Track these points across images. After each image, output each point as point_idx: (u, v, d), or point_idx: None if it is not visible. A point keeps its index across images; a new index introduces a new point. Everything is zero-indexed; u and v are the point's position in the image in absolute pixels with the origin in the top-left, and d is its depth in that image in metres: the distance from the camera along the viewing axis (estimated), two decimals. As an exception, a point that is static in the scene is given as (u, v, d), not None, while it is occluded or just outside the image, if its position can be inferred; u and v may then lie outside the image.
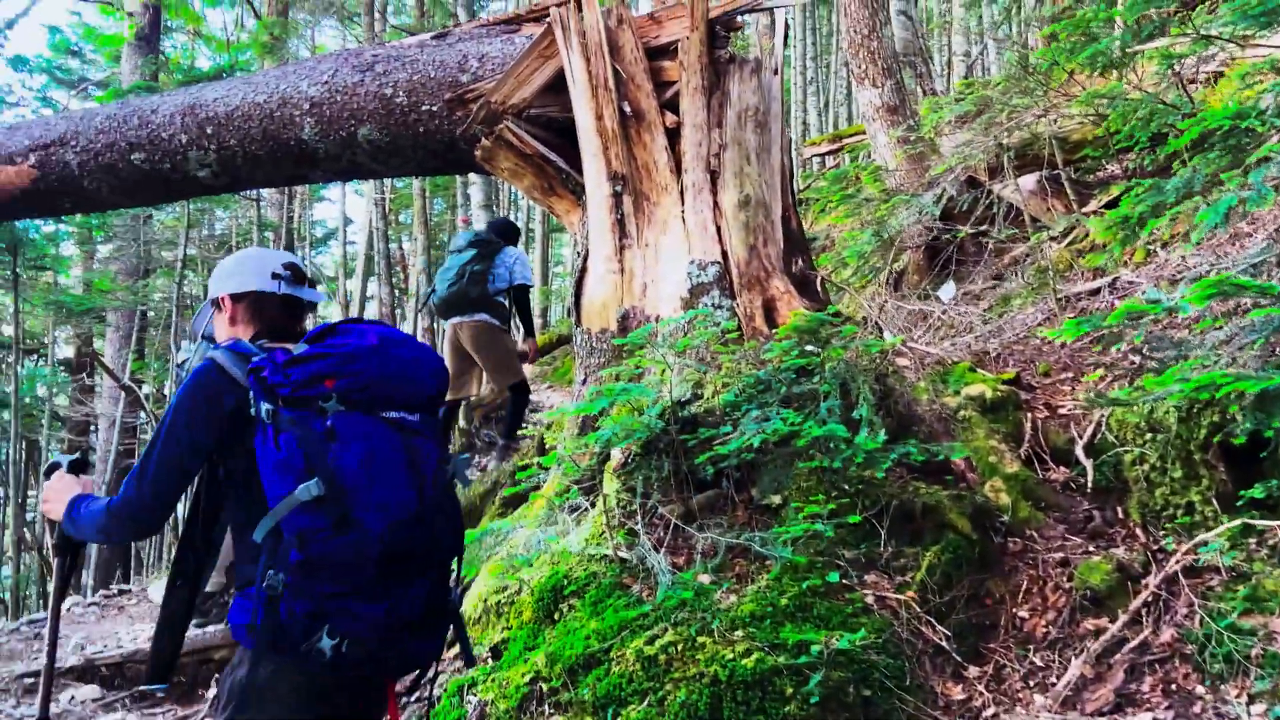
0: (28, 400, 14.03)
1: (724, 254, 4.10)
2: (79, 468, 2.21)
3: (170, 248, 14.82)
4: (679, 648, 2.80)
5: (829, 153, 13.52)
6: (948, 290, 5.85)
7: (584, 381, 4.20)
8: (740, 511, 3.45)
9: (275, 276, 2.22)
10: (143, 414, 11.98)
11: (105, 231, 15.36)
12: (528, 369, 8.49)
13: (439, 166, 5.31)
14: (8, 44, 16.00)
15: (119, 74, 14.19)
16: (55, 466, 2.20)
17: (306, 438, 1.89)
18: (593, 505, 3.65)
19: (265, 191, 15.33)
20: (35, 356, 19.06)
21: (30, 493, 15.36)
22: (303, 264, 2.35)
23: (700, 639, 2.79)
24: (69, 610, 5.17)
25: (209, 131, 5.23)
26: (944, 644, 2.88)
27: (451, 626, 2.10)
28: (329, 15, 12.99)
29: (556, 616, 3.29)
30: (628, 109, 4.23)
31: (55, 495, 2.11)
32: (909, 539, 3.17)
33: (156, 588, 5.21)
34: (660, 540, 3.37)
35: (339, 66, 5.02)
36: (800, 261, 4.41)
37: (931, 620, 2.93)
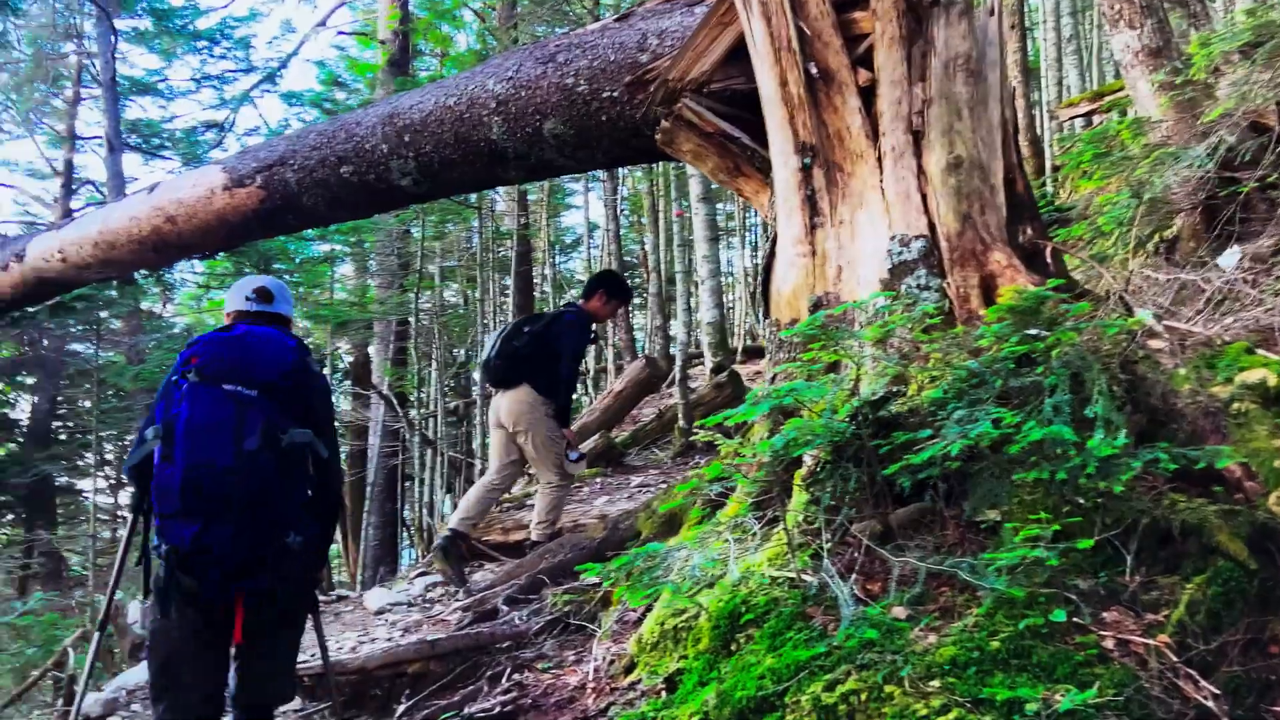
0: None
1: (931, 226, 3.53)
2: None
3: (426, 259, 15.68)
4: (862, 697, 2.33)
5: (1089, 113, 12.11)
6: (1230, 256, 4.87)
7: (774, 380, 3.78)
8: (949, 530, 2.91)
9: (247, 299, 3.16)
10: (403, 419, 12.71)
11: (374, 248, 16.57)
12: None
13: (626, 156, 5.06)
14: (281, 82, 17.69)
15: (375, 100, 15.18)
16: None
17: (169, 397, 2.80)
18: (777, 520, 3.23)
19: (502, 201, 15.89)
20: (319, 365, 20.86)
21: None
22: (275, 285, 3.25)
23: (888, 688, 2.31)
24: None
25: (406, 139, 5.26)
26: (1210, 704, 2.22)
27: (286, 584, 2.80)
28: (561, 26, 13.21)
29: (734, 647, 2.90)
30: (815, 70, 3.75)
31: None
32: (1163, 567, 2.52)
33: (373, 596, 5.34)
34: (851, 563, 2.90)
35: (523, 61, 4.88)
36: (1029, 230, 3.75)
37: (1192, 673, 2.28)
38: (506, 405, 5.52)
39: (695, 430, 8.19)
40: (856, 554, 2.91)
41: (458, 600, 4.99)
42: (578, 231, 29.77)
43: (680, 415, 8.16)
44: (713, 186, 9.14)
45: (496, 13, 14.57)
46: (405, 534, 17.62)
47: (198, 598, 2.69)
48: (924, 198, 3.57)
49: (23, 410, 16.54)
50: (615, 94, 4.46)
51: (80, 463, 15.40)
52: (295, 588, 2.86)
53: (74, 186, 16.02)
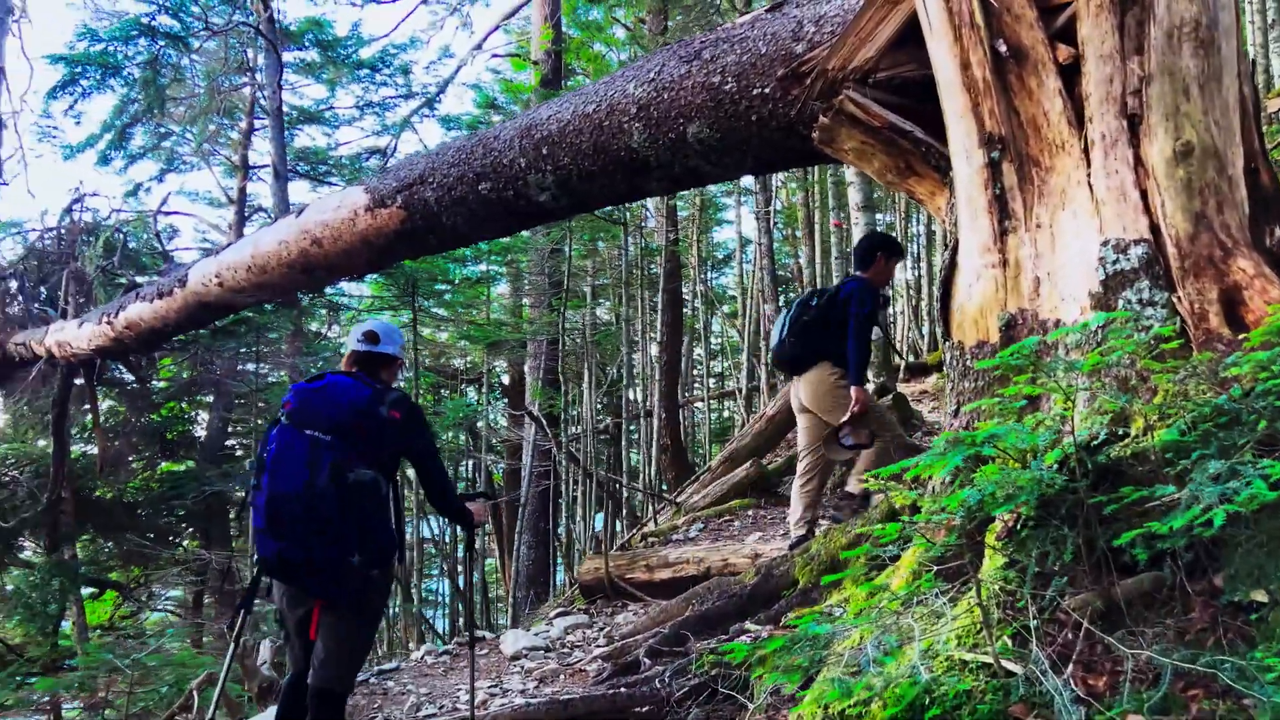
0: (454, 427, 15.41)
1: (1154, 228, 2.90)
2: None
3: (577, 278, 15.58)
4: (1094, 843, 1.79)
5: (1306, 101, 10.76)
6: None
7: (956, 413, 3.21)
8: (1194, 611, 2.29)
9: (358, 340, 3.63)
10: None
11: (527, 268, 16.64)
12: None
13: (778, 159, 4.58)
14: (439, 107, 18.08)
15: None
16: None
17: (267, 436, 3.38)
18: (963, 589, 2.68)
19: (652, 217, 15.59)
20: (477, 384, 21.20)
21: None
22: (382, 328, 3.70)
23: (1130, 833, 1.75)
24: (421, 658, 5.17)
25: (544, 151, 4.95)
26: None
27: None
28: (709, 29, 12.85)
29: (916, 746, 2.38)
30: (1003, 48, 3.18)
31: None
32: None
33: (510, 639, 5.01)
34: (1065, 648, 2.32)
35: (665, 61, 4.48)
36: (1279, 231, 3.06)
37: None
38: (805, 389, 5.35)
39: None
40: (1072, 637, 2.33)
41: (598, 647, 4.61)
42: (729, 247, 29.35)
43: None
44: (874, 195, 8.54)
45: (648, 25, 14.34)
46: (558, 554, 17.54)
47: (284, 600, 3.43)
48: (1144, 194, 2.95)
49: (202, 429, 17.41)
50: (767, 90, 4.00)
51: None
52: (357, 598, 3.32)
53: (247, 214, 16.75)
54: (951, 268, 3.38)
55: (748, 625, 3.89)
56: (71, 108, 10.42)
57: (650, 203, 14.66)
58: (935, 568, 2.63)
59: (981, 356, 3.13)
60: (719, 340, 26.14)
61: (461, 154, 5.48)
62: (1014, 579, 2.54)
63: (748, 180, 23.80)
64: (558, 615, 5.57)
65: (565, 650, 4.86)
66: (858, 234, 8.18)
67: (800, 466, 5.44)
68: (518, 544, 14.66)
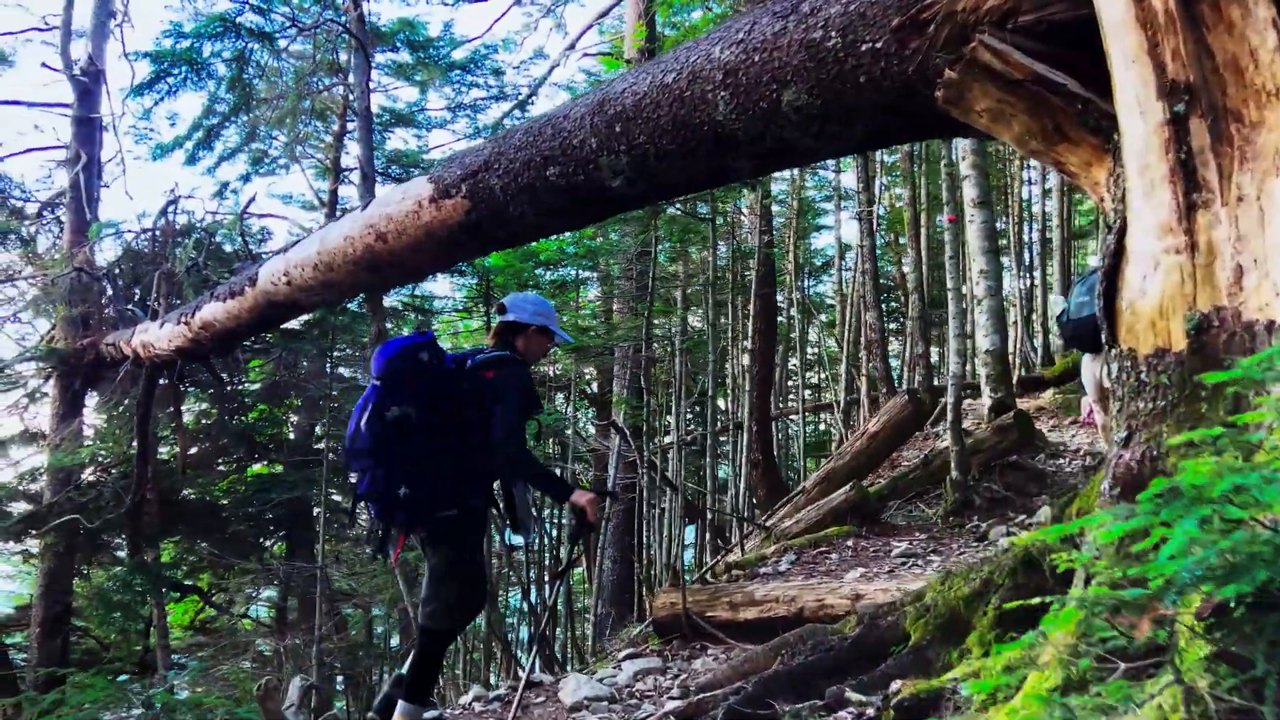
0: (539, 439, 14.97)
1: None
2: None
3: (666, 283, 15.00)
4: None
5: None
6: None
7: (1126, 441, 2.49)
8: None
9: (497, 312, 4.48)
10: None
11: (617, 271, 16.14)
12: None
13: (891, 130, 3.88)
14: (532, 109, 17.72)
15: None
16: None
17: None
18: (1146, 668, 1.97)
19: (746, 212, 14.91)
20: (566, 391, 20.82)
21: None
22: (511, 299, 4.52)
23: None
24: (469, 705, 4.60)
25: (617, 129, 4.36)
26: None
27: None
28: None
29: None
30: (1194, -31, 2.46)
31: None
32: None
33: (570, 687, 4.39)
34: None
35: (757, 19, 3.85)
36: None
37: None
38: None
39: (972, 481, 6.79)
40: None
41: (670, 699, 3.99)
42: (828, 253, 28.38)
43: (954, 463, 6.78)
44: (992, 189, 7.75)
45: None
46: (641, 570, 16.97)
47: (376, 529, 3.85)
48: (1398, 152, 2.20)
49: (294, 433, 17.39)
50: (879, 45, 3.33)
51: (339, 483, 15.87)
52: (433, 532, 3.71)
53: (338, 216, 16.66)
54: (1117, 256, 2.65)
55: (848, 693, 3.21)
56: (155, 105, 10.32)
57: (744, 203, 13.98)
58: (1098, 648, 1.93)
59: (1164, 368, 2.41)
60: (815, 350, 25.21)
61: (529, 137, 4.93)
62: (1226, 676, 1.84)
63: (849, 181, 22.86)
64: (627, 657, 4.96)
65: (633, 701, 4.23)
66: (974, 232, 7.38)
67: None
68: (600, 558, 14.14)
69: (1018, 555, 3.36)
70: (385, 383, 3.77)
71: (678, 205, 12.36)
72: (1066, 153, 2.93)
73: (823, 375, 23.27)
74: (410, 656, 3.72)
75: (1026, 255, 18.57)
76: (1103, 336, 2.63)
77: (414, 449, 3.67)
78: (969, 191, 7.91)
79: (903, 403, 7.51)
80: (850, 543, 6.33)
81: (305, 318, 10.29)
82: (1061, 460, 7.93)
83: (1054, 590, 2.45)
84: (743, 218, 15.61)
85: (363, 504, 3.92)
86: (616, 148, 4.40)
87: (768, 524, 7.72)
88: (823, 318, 23.17)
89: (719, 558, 7.54)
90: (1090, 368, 5.42)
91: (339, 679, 14.30)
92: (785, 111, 3.67)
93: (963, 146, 7.83)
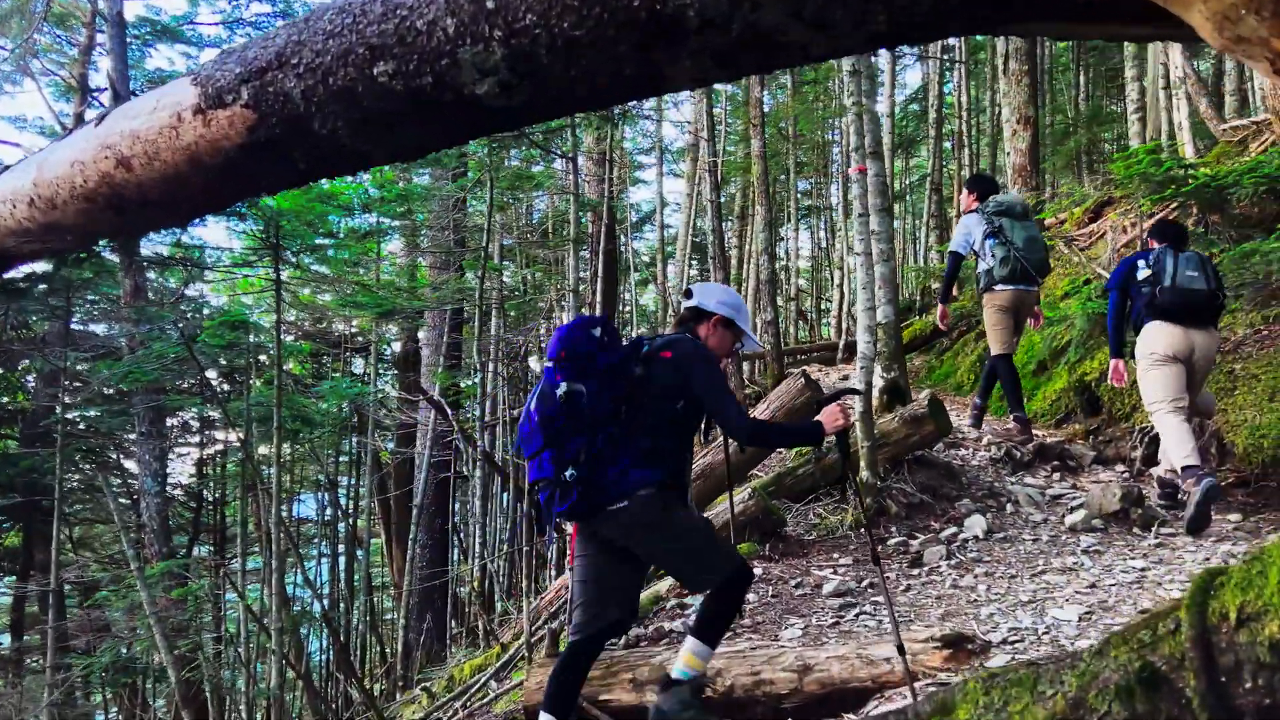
0: (342, 407, 13.16)
1: None
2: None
3: (481, 235, 13.40)
4: None
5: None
6: None
7: None
8: None
9: (681, 298, 3.95)
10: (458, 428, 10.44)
11: (427, 220, 14.36)
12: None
13: (934, 12, 2.65)
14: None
15: None
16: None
17: None
18: None
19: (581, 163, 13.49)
20: (365, 355, 18.90)
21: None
22: (699, 285, 3.91)
23: None
24: None
25: (489, 5, 2.90)
26: None
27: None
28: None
29: None
30: None
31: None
32: None
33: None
34: None
35: None
36: None
37: None
38: (1208, 344, 5.71)
39: (883, 484, 5.81)
40: None
41: None
42: (644, 208, 27.40)
43: (864, 462, 5.77)
44: (880, 141, 6.79)
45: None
46: (454, 551, 15.50)
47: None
48: None
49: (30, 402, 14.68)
50: None
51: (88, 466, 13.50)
52: (619, 526, 3.41)
53: (67, 132, 13.98)
54: None
55: None
56: None
57: (583, 146, 12.54)
58: None
59: None
60: (628, 310, 24.10)
61: (346, 18, 3.32)
62: None
63: (670, 132, 21.75)
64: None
65: None
66: (870, 186, 6.35)
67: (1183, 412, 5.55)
68: (411, 545, 12.56)
69: (1132, 667, 2.27)
70: (556, 361, 3.48)
71: (516, 152, 10.91)
72: None
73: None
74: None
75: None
76: None
77: (583, 429, 3.40)
78: (853, 140, 6.90)
79: (799, 386, 6.45)
80: (765, 573, 5.22)
81: (32, 269, 8.13)
82: (964, 451, 7.15)
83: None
84: (584, 164, 14.18)
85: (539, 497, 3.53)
86: (487, 34, 2.91)
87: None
88: (636, 275, 22.17)
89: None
90: (1182, 337, 5.58)
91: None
92: (777, -24, 2.35)
93: (850, 87, 6.79)
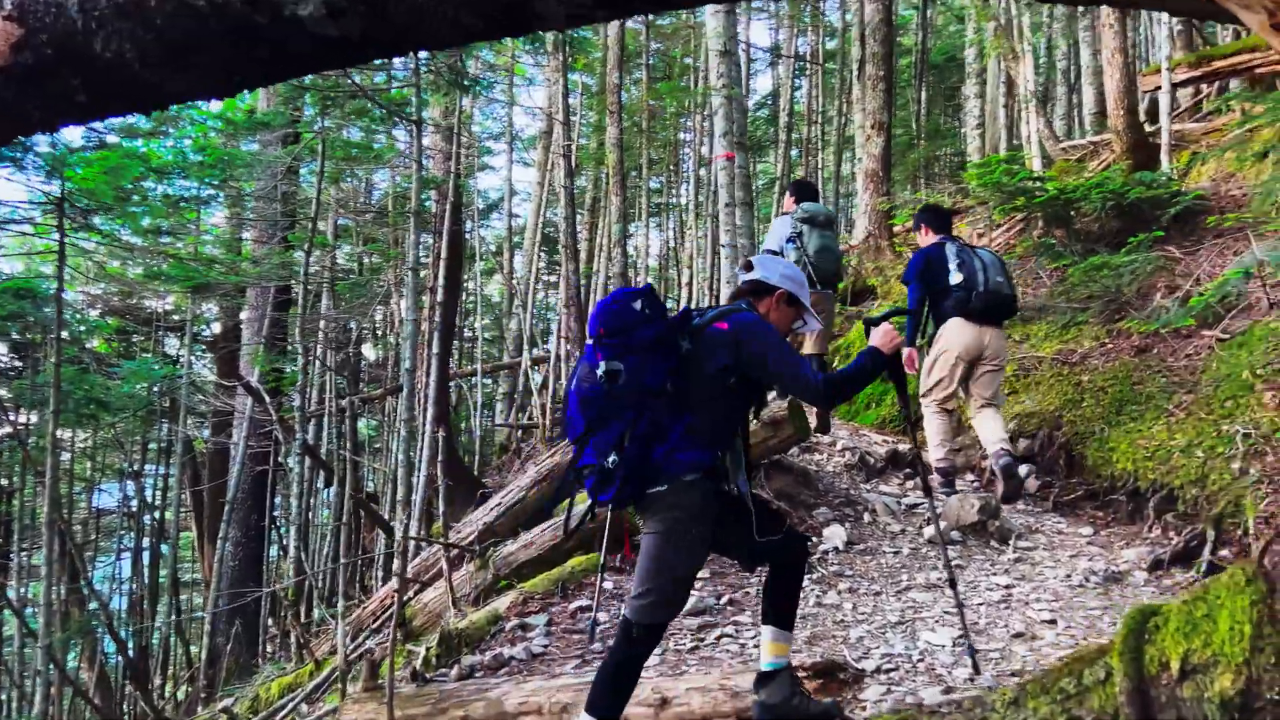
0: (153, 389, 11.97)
1: None
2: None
3: (319, 210, 12.45)
4: None
5: (1188, 82, 9.91)
6: None
7: None
8: None
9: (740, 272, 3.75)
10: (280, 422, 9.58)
11: (254, 190, 13.24)
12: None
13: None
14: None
15: None
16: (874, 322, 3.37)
17: None
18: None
19: (430, 138, 12.72)
20: (179, 334, 17.45)
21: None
22: (759, 258, 3.75)
23: None
24: None
25: (320, -100, 2.37)
26: None
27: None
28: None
29: None
30: None
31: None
32: None
33: None
34: None
35: None
36: None
37: None
38: (1000, 341, 6.08)
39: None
40: None
41: None
42: (491, 196, 26.59)
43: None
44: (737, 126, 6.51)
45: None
46: (271, 549, 14.45)
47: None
48: None
49: None
50: None
51: None
52: (652, 512, 3.15)
53: None
54: None
55: None
56: None
57: (430, 116, 11.78)
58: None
59: None
60: (471, 300, 23.26)
61: (140, -87, 2.74)
62: None
63: (521, 119, 21.11)
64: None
65: None
66: (724, 179, 6.07)
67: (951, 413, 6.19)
68: (222, 541, 11.54)
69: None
70: (596, 339, 3.21)
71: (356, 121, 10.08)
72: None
73: (493, 329, 21.71)
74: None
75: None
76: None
77: (626, 410, 3.13)
78: (720, 125, 6.60)
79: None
80: (610, 585, 4.79)
81: None
82: (819, 456, 6.95)
83: None
84: (430, 139, 13.38)
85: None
86: (316, -61, 2.40)
87: (473, 539, 5.95)
88: (481, 264, 21.45)
89: (412, 592, 5.65)
90: (975, 335, 5.92)
91: None
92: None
93: (720, 69, 6.49)
